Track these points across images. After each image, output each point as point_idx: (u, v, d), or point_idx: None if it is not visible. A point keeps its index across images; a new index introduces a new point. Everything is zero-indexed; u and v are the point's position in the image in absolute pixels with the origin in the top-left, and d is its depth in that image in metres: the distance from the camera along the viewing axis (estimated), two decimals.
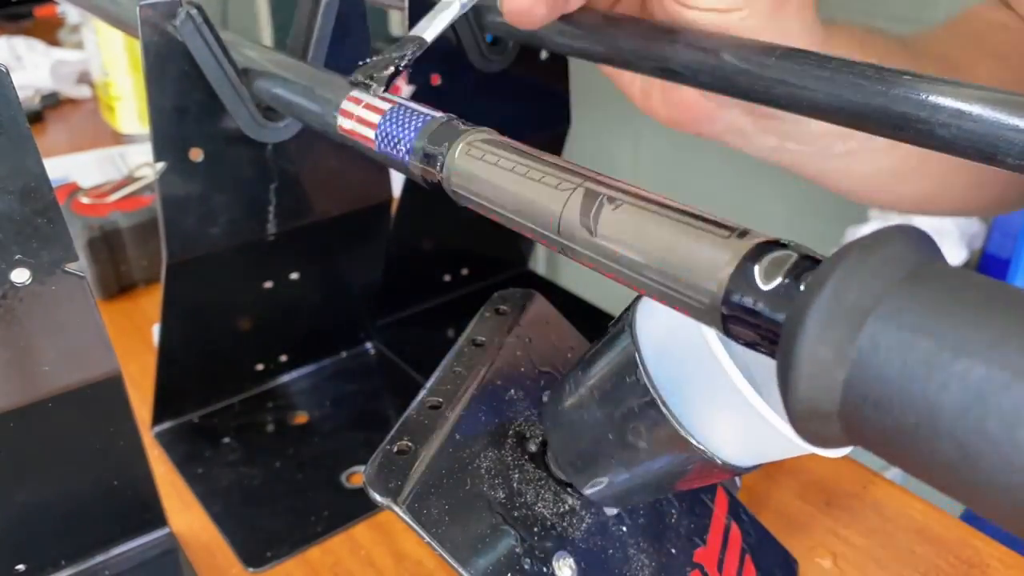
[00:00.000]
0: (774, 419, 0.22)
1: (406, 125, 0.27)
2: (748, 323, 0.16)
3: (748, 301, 0.16)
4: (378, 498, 0.26)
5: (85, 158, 0.82)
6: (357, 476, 0.44)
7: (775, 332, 0.16)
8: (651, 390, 0.24)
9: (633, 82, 0.42)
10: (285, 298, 0.48)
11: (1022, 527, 0.12)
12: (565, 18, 0.38)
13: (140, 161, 0.75)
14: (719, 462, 0.24)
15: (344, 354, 0.53)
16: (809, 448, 0.22)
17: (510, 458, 0.29)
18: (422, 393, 0.30)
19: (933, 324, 0.13)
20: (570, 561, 0.28)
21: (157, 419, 0.47)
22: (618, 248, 0.19)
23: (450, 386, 0.30)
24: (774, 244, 0.16)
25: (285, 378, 0.51)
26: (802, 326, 0.14)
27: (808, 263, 0.16)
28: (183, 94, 0.38)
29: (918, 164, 0.44)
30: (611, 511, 0.30)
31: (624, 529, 0.30)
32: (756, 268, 0.16)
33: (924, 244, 0.14)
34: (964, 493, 0.13)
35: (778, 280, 0.16)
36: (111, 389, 0.34)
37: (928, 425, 0.13)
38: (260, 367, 0.50)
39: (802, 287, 0.15)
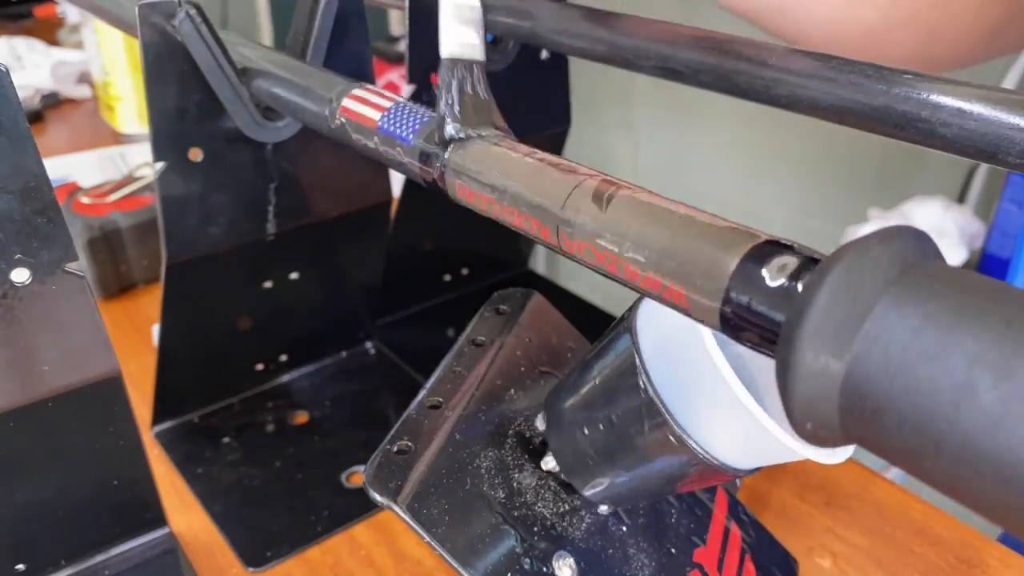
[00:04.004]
0: (771, 425, 0.22)
1: (405, 125, 0.27)
2: (748, 322, 0.16)
3: (748, 300, 0.16)
4: (378, 498, 0.26)
5: (85, 158, 0.82)
6: (357, 476, 0.44)
7: (774, 331, 0.16)
8: (651, 392, 0.24)
9: None
10: (285, 298, 0.48)
11: (1018, 525, 0.12)
12: (565, 17, 0.38)
13: (140, 161, 0.75)
14: (718, 465, 0.24)
15: (344, 354, 0.53)
16: (807, 453, 0.22)
17: (510, 458, 0.29)
18: (422, 393, 0.30)
19: (931, 323, 0.13)
20: (570, 561, 0.28)
21: (157, 419, 0.47)
22: (618, 246, 0.19)
23: (450, 386, 0.30)
24: (774, 244, 0.16)
25: (285, 378, 0.51)
26: (800, 325, 0.14)
27: (808, 263, 0.16)
28: (182, 94, 0.38)
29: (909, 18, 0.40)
30: (611, 511, 0.30)
31: (624, 529, 0.30)
32: (756, 268, 0.16)
33: (922, 244, 0.14)
34: (963, 493, 0.13)
35: (778, 280, 0.16)
36: (111, 389, 0.34)
37: (926, 424, 0.13)
38: (260, 367, 0.50)
39: (801, 287, 0.15)
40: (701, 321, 0.18)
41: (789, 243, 0.16)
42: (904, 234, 0.14)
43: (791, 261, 0.16)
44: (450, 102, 0.24)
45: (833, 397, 0.14)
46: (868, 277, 0.14)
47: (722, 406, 0.23)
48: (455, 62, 0.24)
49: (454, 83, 0.24)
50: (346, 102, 0.30)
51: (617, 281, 0.20)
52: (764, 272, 0.16)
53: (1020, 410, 0.12)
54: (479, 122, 0.24)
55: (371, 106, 0.29)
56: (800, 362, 0.14)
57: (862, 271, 0.14)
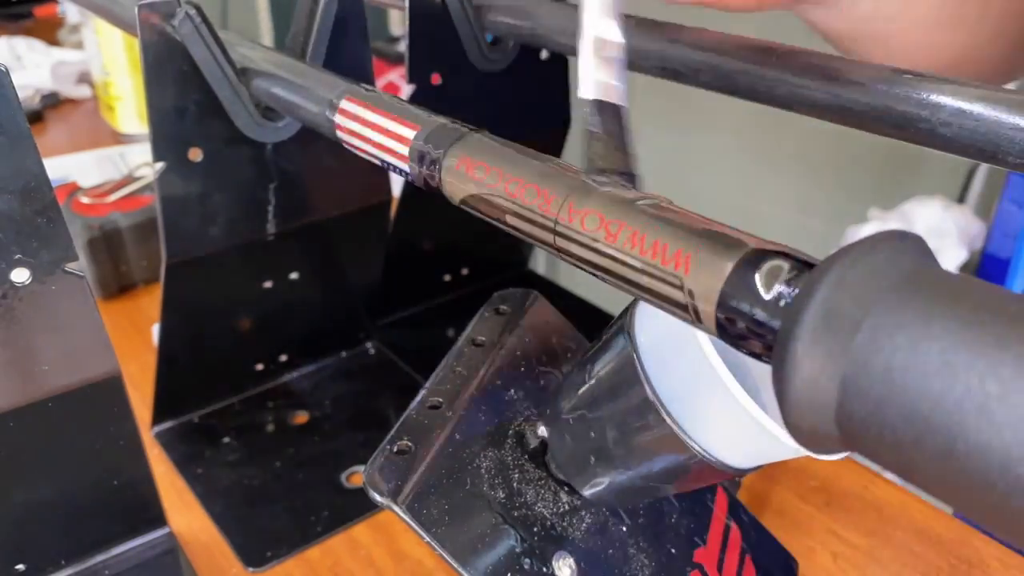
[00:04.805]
0: (768, 423, 0.22)
1: (404, 126, 0.27)
2: (743, 328, 0.16)
3: (743, 307, 0.16)
4: (378, 498, 0.26)
5: (85, 158, 0.82)
6: (357, 476, 0.44)
7: (770, 338, 0.15)
8: (649, 391, 0.24)
9: None
10: (285, 298, 0.48)
11: (1016, 533, 0.12)
12: (565, 17, 0.38)
13: (140, 161, 0.75)
14: (717, 464, 0.24)
15: (344, 354, 0.53)
16: (804, 450, 0.22)
17: (510, 458, 0.29)
18: (422, 393, 0.30)
19: (927, 330, 0.13)
20: (570, 561, 0.28)
21: (157, 419, 0.47)
22: (613, 271, 0.19)
23: (450, 386, 0.30)
24: (769, 249, 0.16)
25: (285, 378, 0.51)
26: (796, 332, 0.14)
27: (803, 268, 0.15)
28: (182, 94, 0.38)
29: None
30: (611, 511, 0.30)
31: (624, 529, 0.30)
32: (752, 274, 0.16)
33: (918, 249, 0.14)
34: (964, 502, 0.13)
35: (773, 286, 0.16)
36: (111, 389, 0.34)
37: (927, 432, 0.12)
38: (260, 367, 0.50)
39: (796, 293, 0.15)
40: (698, 327, 0.18)
41: (784, 248, 0.16)
42: (900, 239, 0.14)
43: (786, 266, 0.16)
44: (597, 150, 0.22)
45: (830, 404, 0.14)
46: (864, 283, 0.13)
47: (718, 402, 0.23)
48: (602, 105, 0.22)
49: (599, 127, 0.22)
50: (345, 104, 0.30)
51: (613, 285, 0.20)
52: (759, 278, 0.16)
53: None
54: (613, 168, 0.22)
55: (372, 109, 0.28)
56: (796, 369, 0.14)
57: (858, 277, 0.13)
